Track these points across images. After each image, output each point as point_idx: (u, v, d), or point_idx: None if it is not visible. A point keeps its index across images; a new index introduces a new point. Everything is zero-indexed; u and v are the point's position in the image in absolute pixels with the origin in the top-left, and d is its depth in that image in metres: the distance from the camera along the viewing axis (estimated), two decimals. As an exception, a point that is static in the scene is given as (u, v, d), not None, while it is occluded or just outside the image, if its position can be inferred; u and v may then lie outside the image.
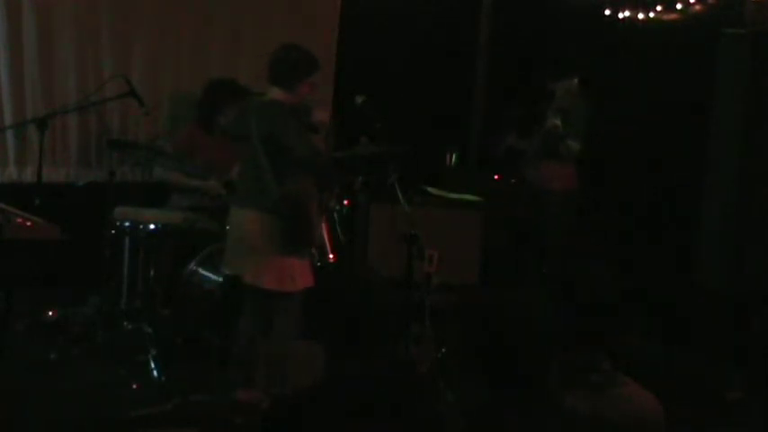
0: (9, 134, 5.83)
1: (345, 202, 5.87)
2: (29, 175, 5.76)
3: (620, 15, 6.76)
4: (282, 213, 4.53)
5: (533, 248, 6.15)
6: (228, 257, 4.76)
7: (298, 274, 4.53)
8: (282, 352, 4.40)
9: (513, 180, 6.35)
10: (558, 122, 5.78)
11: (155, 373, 4.94)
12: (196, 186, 5.79)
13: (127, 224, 5.41)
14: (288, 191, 4.52)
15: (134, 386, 4.79)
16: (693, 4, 6.43)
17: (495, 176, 7.19)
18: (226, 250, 4.81)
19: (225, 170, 5.94)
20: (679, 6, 6.49)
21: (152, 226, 5.40)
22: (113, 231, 5.40)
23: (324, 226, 5.30)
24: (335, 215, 5.64)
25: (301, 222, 4.60)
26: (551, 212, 6.03)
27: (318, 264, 5.12)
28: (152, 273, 5.38)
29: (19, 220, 4.23)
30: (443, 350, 5.30)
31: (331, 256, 5.37)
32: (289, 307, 4.51)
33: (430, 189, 6.66)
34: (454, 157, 7.39)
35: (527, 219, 6.23)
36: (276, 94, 4.58)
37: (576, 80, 5.81)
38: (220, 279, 5.37)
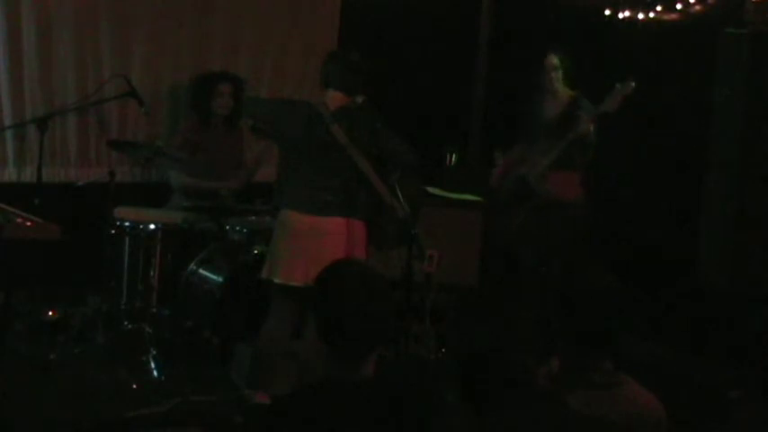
0: (9, 134, 5.83)
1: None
2: (29, 175, 5.76)
3: (621, 15, 6.75)
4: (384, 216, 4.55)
5: (537, 257, 5.93)
6: (295, 268, 4.49)
7: None
8: (319, 354, 4.39)
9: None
10: (592, 129, 5.50)
11: (155, 373, 4.94)
12: (213, 188, 5.76)
13: (127, 224, 5.41)
14: (402, 194, 4.55)
15: (134, 386, 4.79)
16: (693, 4, 6.42)
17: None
18: (288, 262, 4.53)
19: (225, 167, 5.95)
20: (679, 6, 6.49)
21: (152, 226, 5.40)
22: (113, 231, 5.40)
23: None
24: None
25: (415, 221, 4.63)
26: (567, 221, 5.77)
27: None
28: (152, 273, 5.38)
29: (19, 220, 4.23)
30: (443, 350, 5.31)
31: None
32: None
33: (430, 189, 6.66)
34: (454, 157, 7.39)
35: (537, 228, 5.98)
36: (339, 98, 4.55)
37: (632, 84, 5.49)
38: (220, 279, 5.38)
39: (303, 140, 4.55)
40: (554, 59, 5.80)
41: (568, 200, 5.76)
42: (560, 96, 5.79)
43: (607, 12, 6.81)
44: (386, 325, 2.63)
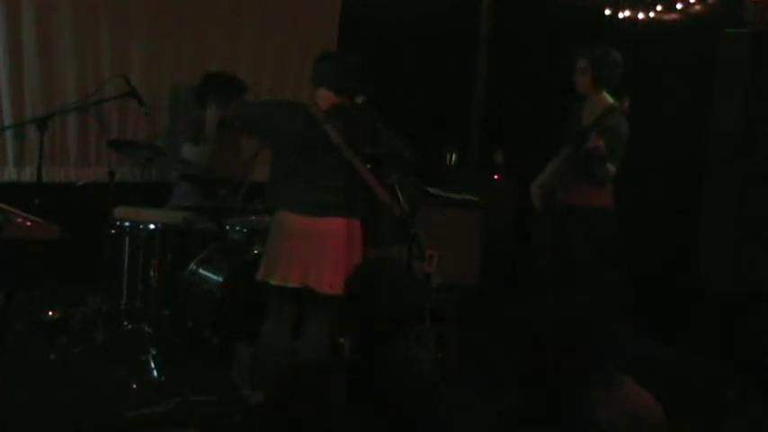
0: (9, 134, 5.83)
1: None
2: (29, 175, 5.76)
3: (620, 15, 6.75)
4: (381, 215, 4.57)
5: (555, 265, 5.79)
6: (292, 270, 4.49)
7: None
8: (318, 352, 4.42)
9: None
10: (602, 144, 5.22)
11: (155, 373, 4.94)
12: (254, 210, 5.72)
13: (127, 224, 5.42)
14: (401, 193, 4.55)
15: (134, 386, 4.79)
16: (693, 4, 6.42)
17: (495, 176, 7.20)
18: (285, 264, 4.51)
19: (224, 165, 5.94)
20: (679, 6, 6.49)
21: (152, 226, 5.41)
22: (113, 231, 5.40)
23: None
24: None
25: (414, 221, 4.64)
26: (586, 230, 5.50)
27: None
28: (152, 273, 5.39)
29: (19, 219, 4.23)
30: (443, 350, 5.31)
31: None
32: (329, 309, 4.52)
33: (430, 189, 6.66)
34: (454, 157, 7.39)
35: (554, 235, 5.68)
36: (330, 97, 4.54)
37: (628, 99, 5.25)
38: (220, 279, 5.38)
39: (298, 141, 4.53)
40: (580, 62, 5.51)
41: (589, 208, 5.50)
42: (597, 102, 5.49)
43: (607, 12, 6.81)
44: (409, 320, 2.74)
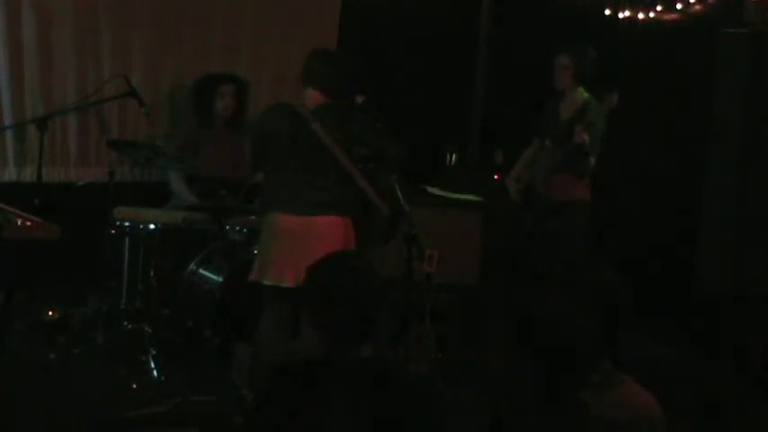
0: (9, 134, 5.83)
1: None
2: (29, 175, 5.76)
3: (620, 15, 6.75)
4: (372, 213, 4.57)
5: (545, 260, 5.86)
6: (286, 270, 4.47)
7: None
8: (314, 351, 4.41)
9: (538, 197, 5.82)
10: (587, 138, 5.40)
11: (155, 373, 4.94)
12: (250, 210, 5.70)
13: (127, 224, 5.42)
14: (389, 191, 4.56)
15: (134, 386, 4.79)
16: (693, 4, 6.43)
17: (496, 176, 7.20)
18: (279, 264, 4.52)
19: (225, 168, 5.94)
20: (679, 6, 6.49)
21: (152, 226, 5.41)
22: (113, 231, 5.41)
23: None
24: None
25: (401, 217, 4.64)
26: (570, 223, 5.68)
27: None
28: (152, 273, 5.38)
29: (19, 220, 4.23)
30: (443, 350, 5.31)
31: None
32: None
33: (430, 189, 6.65)
34: (454, 157, 7.39)
35: (539, 232, 5.82)
36: (317, 97, 4.53)
37: (615, 95, 5.43)
38: (220, 279, 5.38)
39: (288, 141, 4.53)
40: (563, 59, 5.68)
41: (572, 202, 5.68)
42: (574, 97, 5.67)
43: (607, 12, 6.81)
44: (376, 314, 2.72)
